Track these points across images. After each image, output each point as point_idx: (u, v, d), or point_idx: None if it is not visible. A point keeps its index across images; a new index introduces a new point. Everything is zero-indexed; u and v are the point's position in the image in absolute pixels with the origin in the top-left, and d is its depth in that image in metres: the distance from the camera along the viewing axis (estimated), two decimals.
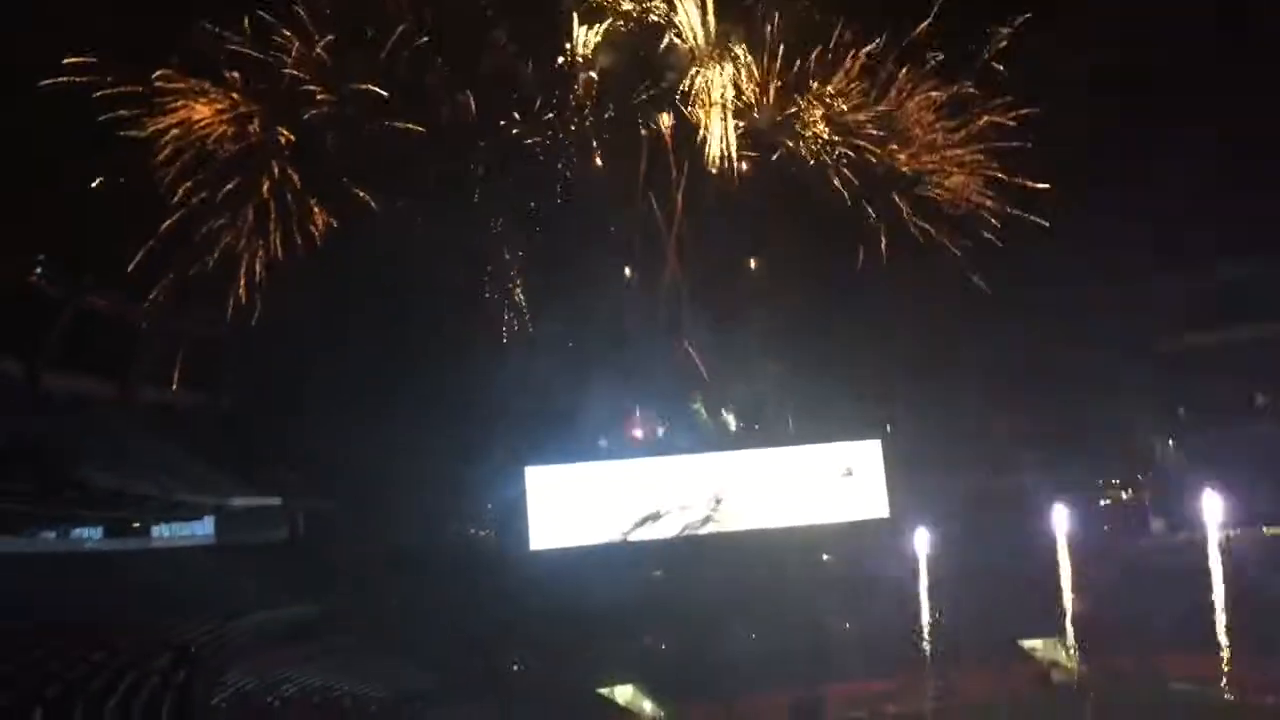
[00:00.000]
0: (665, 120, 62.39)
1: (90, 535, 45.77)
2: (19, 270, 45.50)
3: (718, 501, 66.58)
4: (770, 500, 67.13)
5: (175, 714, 23.18)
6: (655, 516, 65.83)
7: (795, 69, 60.95)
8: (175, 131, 54.48)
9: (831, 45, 60.17)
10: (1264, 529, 59.83)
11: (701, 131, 62.09)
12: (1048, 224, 59.83)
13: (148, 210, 52.46)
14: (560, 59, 60.76)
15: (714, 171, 62.16)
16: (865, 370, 65.66)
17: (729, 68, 61.40)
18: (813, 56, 60.35)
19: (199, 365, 61.50)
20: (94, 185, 49.95)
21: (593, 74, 61.12)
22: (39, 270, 46.36)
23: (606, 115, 62.37)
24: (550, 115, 61.69)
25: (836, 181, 61.82)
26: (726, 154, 62.01)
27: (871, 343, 64.70)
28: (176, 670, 27.91)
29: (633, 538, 65.28)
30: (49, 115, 46.23)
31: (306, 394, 62.97)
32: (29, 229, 44.16)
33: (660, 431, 69.30)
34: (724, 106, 61.77)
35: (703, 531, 66.17)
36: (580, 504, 65.05)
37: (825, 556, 66.94)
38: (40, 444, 36.91)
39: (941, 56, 59.88)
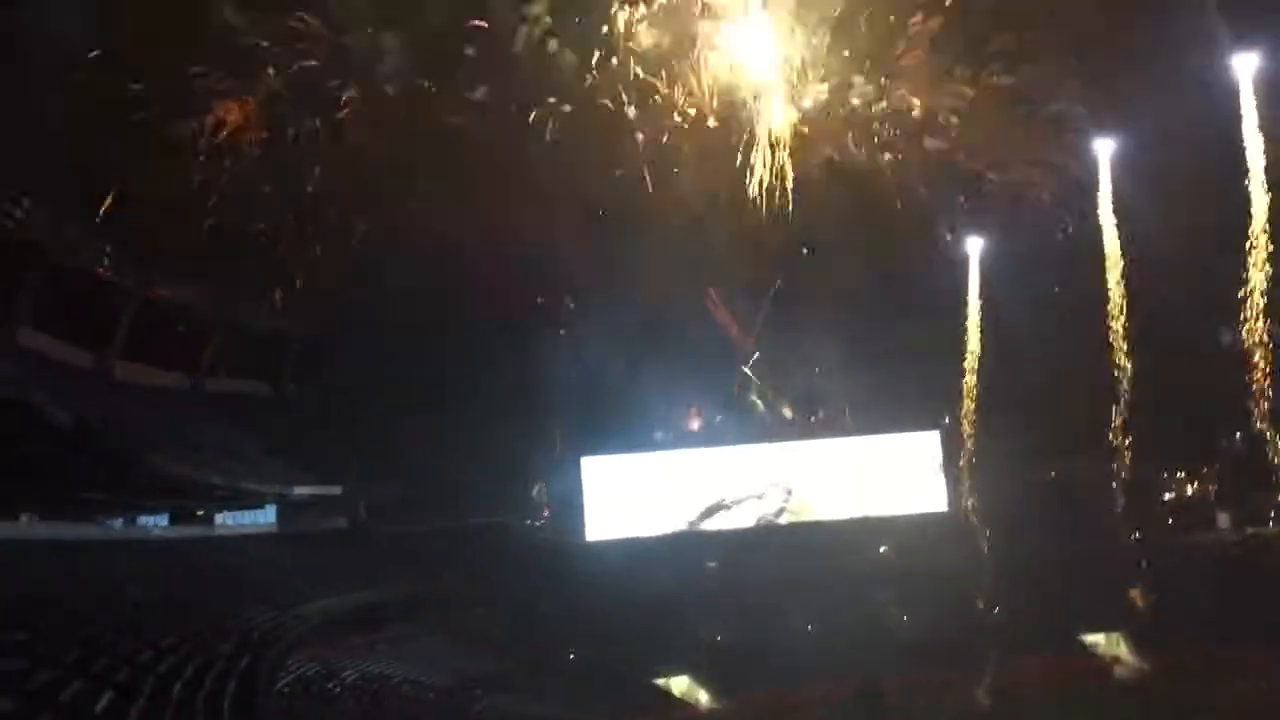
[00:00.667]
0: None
1: (157, 523, 46.94)
2: (88, 262, 46.51)
3: (789, 492, 66.32)
4: (835, 491, 66.72)
5: (239, 698, 23.68)
6: (723, 507, 65.74)
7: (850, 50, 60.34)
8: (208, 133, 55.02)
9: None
10: None
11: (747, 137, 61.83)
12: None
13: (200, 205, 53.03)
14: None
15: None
16: (924, 362, 65.11)
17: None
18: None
19: (263, 356, 62.69)
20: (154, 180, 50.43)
21: (637, 70, 60.66)
22: (106, 262, 47.41)
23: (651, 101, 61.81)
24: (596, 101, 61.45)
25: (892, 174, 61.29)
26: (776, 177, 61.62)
27: (931, 334, 64.16)
28: (240, 656, 28.50)
29: (701, 528, 65.19)
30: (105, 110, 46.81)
31: (367, 384, 63.98)
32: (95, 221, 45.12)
33: (717, 422, 69.11)
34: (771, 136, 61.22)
35: (779, 522, 66.00)
36: (637, 495, 65.14)
37: (883, 549, 66.49)
38: (111, 432, 37.85)
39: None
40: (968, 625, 57.59)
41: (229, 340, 59.37)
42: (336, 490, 57.46)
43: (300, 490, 53.58)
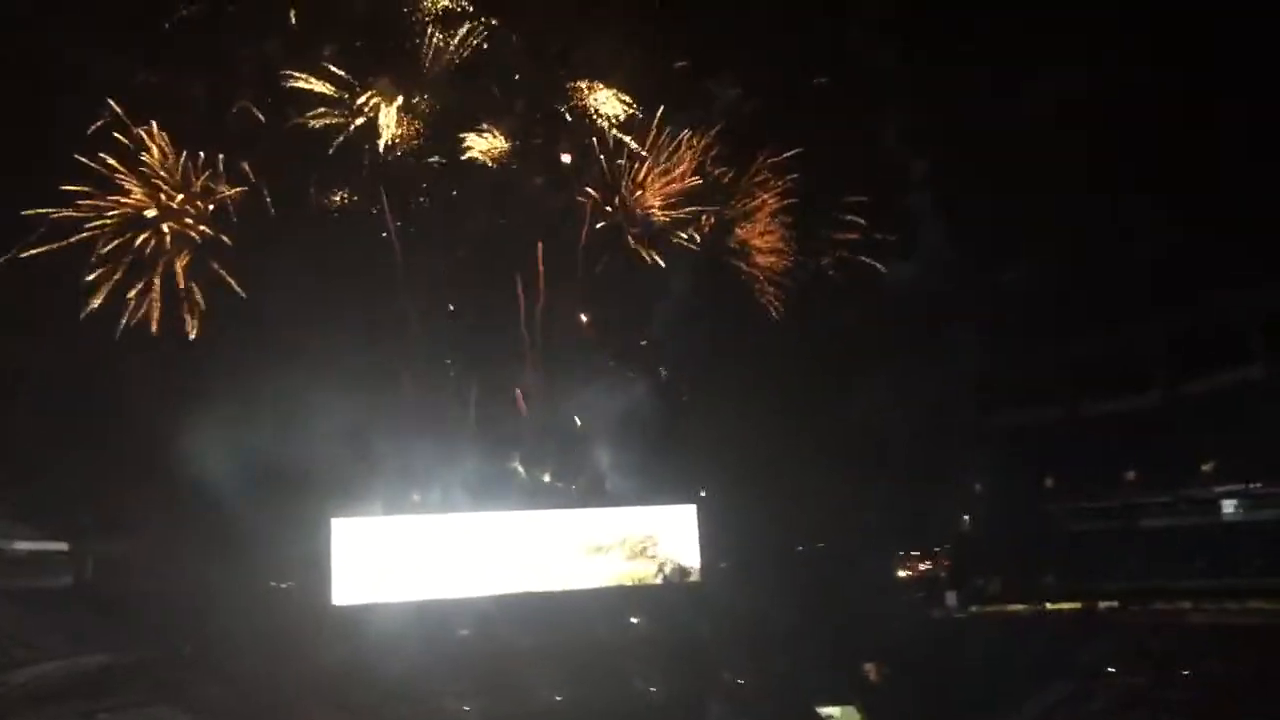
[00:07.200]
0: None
1: None
2: None
3: (544, 560, 66.00)
4: (583, 560, 67.05)
5: None
6: (468, 573, 64.66)
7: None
8: None
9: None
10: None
11: None
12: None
13: None
14: None
15: None
16: (683, 436, 67.00)
17: None
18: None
19: None
20: None
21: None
22: None
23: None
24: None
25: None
26: None
27: (692, 410, 66.24)
28: None
29: (443, 595, 63.80)
30: None
31: (102, 432, 59.80)
32: None
33: (475, 487, 68.23)
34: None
35: (516, 590, 65.24)
36: (388, 558, 63.29)
37: (634, 619, 67.14)
38: None
39: None
40: (714, 695, 58.72)
41: None
42: (63, 546, 53.56)
43: (21, 546, 49.66)
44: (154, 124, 56.25)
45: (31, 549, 52.02)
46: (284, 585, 65.57)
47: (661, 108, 62.09)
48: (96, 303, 56.09)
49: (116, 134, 55.25)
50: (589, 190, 63.99)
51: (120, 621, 54.48)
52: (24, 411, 60.03)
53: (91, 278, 55.73)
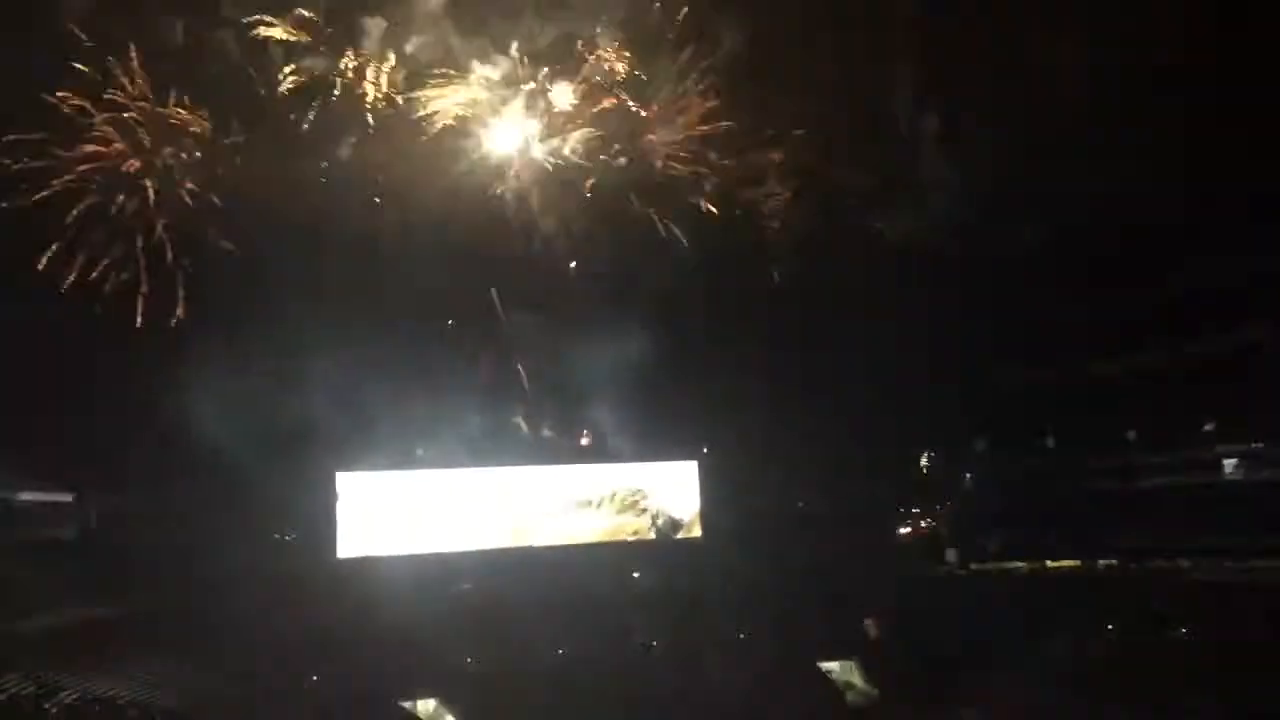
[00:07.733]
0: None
1: None
2: None
3: (532, 514, 66.41)
4: (584, 516, 67.46)
5: None
6: (470, 528, 65.08)
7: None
8: None
9: None
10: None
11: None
12: None
13: None
14: None
15: None
16: (684, 393, 66.99)
17: None
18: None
19: None
20: None
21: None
22: None
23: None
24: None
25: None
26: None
27: (691, 366, 66.17)
28: None
29: (446, 549, 64.27)
30: None
31: (106, 385, 59.71)
32: None
33: (479, 442, 68.45)
34: None
35: (518, 544, 65.67)
36: (392, 513, 63.94)
37: (635, 574, 67.60)
38: None
39: None
40: (714, 650, 59.08)
41: None
42: (67, 497, 53.69)
43: (26, 496, 49.80)
44: (134, 55, 52.86)
45: (36, 500, 52.08)
46: (288, 538, 66.07)
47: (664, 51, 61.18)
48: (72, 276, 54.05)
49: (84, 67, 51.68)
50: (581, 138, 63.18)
51: (126, 573, 54.68)
52: (27, 364, 60.03)
53: (48, 253, 53.60)
